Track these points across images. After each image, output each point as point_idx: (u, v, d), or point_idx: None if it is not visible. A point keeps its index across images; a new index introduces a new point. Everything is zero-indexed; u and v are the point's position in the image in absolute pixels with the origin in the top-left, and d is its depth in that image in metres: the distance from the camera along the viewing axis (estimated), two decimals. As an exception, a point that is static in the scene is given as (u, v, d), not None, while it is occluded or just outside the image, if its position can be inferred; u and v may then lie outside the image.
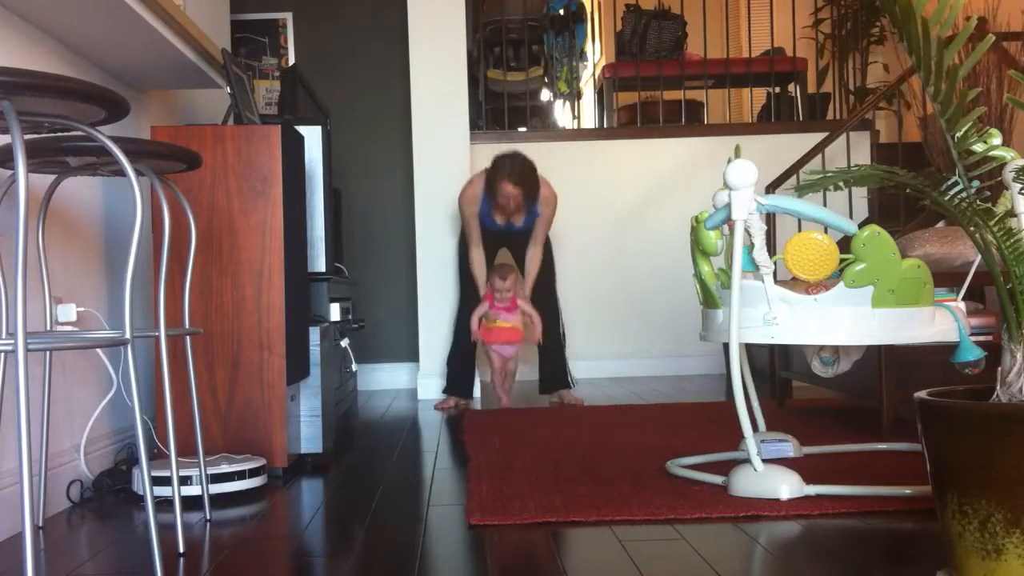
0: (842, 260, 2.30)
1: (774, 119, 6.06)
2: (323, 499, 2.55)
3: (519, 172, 4.15)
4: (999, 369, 1.59)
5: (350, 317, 3.81)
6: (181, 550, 1.96)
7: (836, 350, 2.69)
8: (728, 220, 2.36)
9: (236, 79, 3.03)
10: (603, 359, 5.44)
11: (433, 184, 4.93)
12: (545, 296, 4.44)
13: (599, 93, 6.38)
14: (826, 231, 3.24)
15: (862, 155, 5.19)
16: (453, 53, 4.98)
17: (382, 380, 5.37)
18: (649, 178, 5.53)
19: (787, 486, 2.25)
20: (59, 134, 1.91)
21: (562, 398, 4.41)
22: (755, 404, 2.79)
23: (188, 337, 2.29)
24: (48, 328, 2.28)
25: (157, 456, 2.76)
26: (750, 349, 3.91)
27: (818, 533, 2.02)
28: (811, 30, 6.28)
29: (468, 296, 4.46)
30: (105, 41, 2.60)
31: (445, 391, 4.55)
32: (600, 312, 5.48)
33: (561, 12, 6.00)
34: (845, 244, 2.36)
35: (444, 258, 4.91)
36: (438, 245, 4.92)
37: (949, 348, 2.41)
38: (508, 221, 4.35)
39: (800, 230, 3.57)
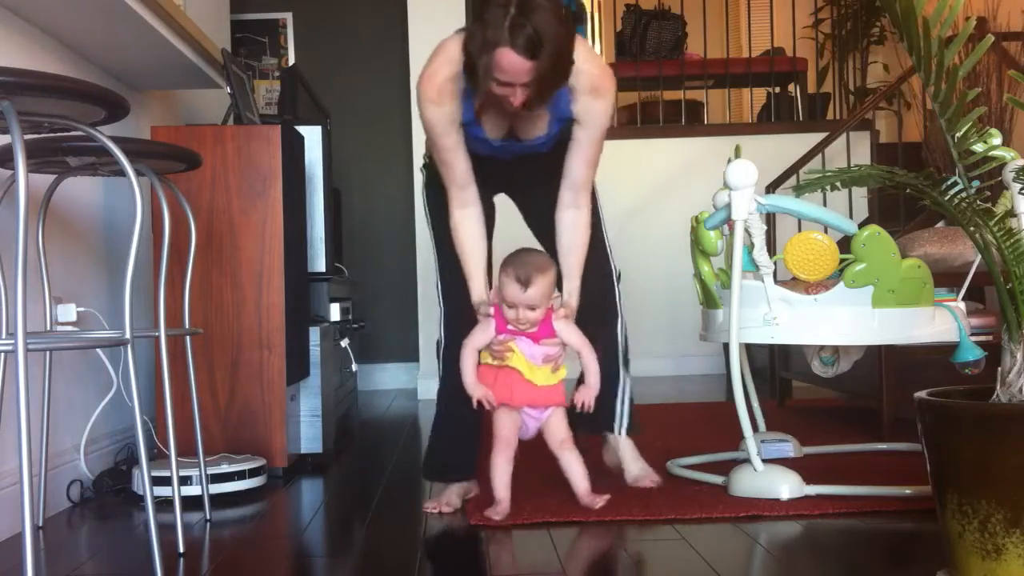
0: (842, 260, 2.30)
1: (774, 119, 6.05)
2: (323, 499, 2.55)
3: (533, 28, 1.88)
4: (999, 369, 1.59)
5: (350, 317, 3.81)
6: (181, 550, 1.96)
7: (836, 350, 2.69)
8: (728, 220, 2.36)
9: (236, 79, 3.03)
10: (603, 359, 5.44)
11: (433, 184, 4.92)
12: (599, 294, 2.40)
13: (599, 93, 6.37)
14: (826, 231, 3.24)
15: (862, 155, 5.19)
16: (453, 53, 4.97)
17: (382, 380, 5.37)
18: (649, 178, 5.53)
19: (787, 486, 2.25)
20: (59, 134, 1.90)
21: (613, 448, 2.56)
22: (755, 404, 2.79)
23: (188, 337, 2.29)
24: (48, 328, 2.28)
25: (157, 456, 2.75)
26: (750, 349, 3.91)
27: (818, 533, 2.02)
28: (811, 30, 6.28)
29: (452, 305, 2.44)
30: (105, 41, 2.60)
31: (426, 476, 2.48)
32: (600, 312, 5.47)
33: (561, 12, 5.98)
34: (845, 244, 2.36)
35: (444, 258, 4.90)
36: (438, 245, 4.91)
37: (949, 348, 2.41)
38: (511, 134, 2.20)
39: (800, 230, 3.57)
